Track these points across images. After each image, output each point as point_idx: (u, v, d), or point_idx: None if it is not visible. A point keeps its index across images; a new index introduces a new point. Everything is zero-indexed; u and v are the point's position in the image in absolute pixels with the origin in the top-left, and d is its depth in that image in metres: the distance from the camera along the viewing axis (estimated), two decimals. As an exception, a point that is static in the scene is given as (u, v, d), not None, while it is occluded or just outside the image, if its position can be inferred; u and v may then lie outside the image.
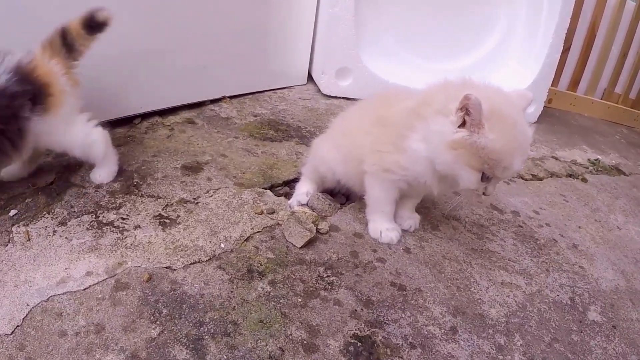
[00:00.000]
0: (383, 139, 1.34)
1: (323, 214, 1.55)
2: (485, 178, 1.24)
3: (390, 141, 1.32)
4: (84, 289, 1.19)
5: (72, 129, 1.48)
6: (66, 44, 1.43)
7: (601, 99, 3.69)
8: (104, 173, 1.59)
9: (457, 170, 1.23)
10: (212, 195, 1.57)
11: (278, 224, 1.48)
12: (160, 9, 1.91)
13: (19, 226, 1.37)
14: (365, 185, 1.45)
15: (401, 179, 1.36)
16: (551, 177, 2.26)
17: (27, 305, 1.13)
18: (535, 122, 2.92)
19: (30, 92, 1.33)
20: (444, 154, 1.22)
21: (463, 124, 1.19)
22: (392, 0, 2.56)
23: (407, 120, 1.29)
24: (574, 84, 3.54)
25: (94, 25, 1.44)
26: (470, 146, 1.19)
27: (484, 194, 1.28)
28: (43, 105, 1.37)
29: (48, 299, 1.15)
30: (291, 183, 1.71)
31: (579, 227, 1.88)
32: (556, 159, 2.49)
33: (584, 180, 2.33)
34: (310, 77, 2.66)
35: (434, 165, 1.27)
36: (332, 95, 2.53)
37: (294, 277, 1.30)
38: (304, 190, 1.59)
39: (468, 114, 1.17)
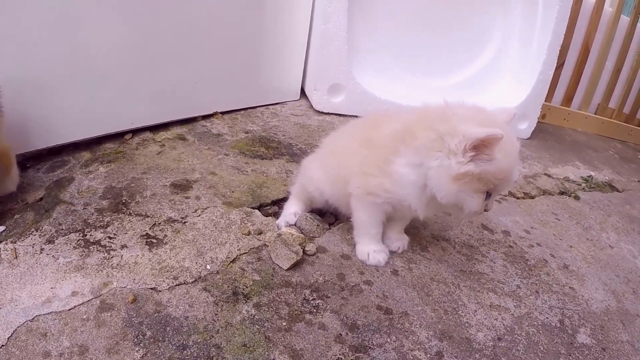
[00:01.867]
0: (369, 161, 1.34)
1: (311, 235, 1.54)
2: (487, 196, 1.25)
3: (376, 164, 1.32)
4: (69, 309, 1.18)
5: None
6: None
7: (595, 114, 3.71)
8: None
9: (463, 198, 1.23)
10: (200, 215, 1.57)
11: (265, 245, 1.47)
12: (152, 24, 1.92)
13: (6, 243, 1.37)
14: (351, 207, 1.44)
15: (385, 201, 1.35)
16: (543, 195, 2.26)
17: (12, 324, 1.12)
18: (528, 139, 2.93)
19: None
20: (448, 187, 1.22)
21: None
22: (386, 16, 2.57)
23: (392, 144, 1.29)
24: (568, 99, 3.55)
25: None
26: (478, 174, 1.19)
27: (485, 210, 1.29)
28: None
29: (33, 319, 1.15)
30: (280, 202, 1.70)
31: (571, 246, 1.87)
32: (549, 176, 2.49)
33: (577, 197, 2.33)
34: (303, 93, 2.66)
35: (421, 190, 1.27)
36: (324, 111, 2.53)
37: (279, 300, 1.29)
38: (292, 210, 1.59)
39: (482, 150, 1.17)
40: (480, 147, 1.16)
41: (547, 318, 1.45)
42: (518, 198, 2.16)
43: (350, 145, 1.42)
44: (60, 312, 1.17)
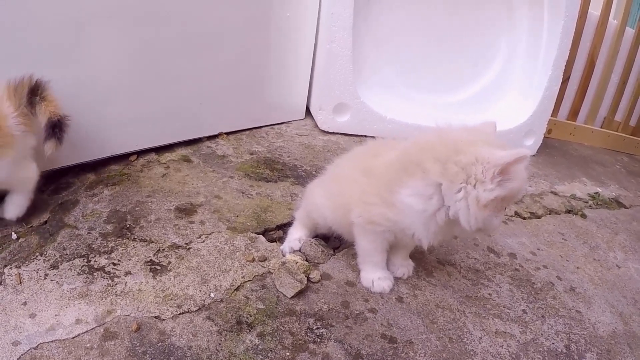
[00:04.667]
0: (369, 190, 1.33)
1: (315, 261, 1.54)
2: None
3: (377, 193, 1.31)
4: (73, 338, 1.18)
5: (15, 170, 1.48)
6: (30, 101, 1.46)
7: (601, 128, 3.69)
8: (18, 208, 1.55)
9: (491, 219, 1.24)
10: (204, 241, 1.56)
11: (269, 272, 1.46)
12: (156, 44, 1.92)
13: (11, 268, 1.37)
14: (354, 235, 1.44)
15: (387, 230, 1.35)
16: (550, 214, 2.25)
17: (17, 352, 1.12)
18: (534, 155, 2.91)
19: None
20: (478, 215, 1.21)
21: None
22: (391, 34, 2.57)
23: (395, 174, 1.28)
24: (574, 113, 3.54)
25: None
26: (504, 196, 1.19)
27: None
28: None
29: (37, 347, 1.15)
30: (285, 227, 1.69)
31: (577, 267, 1.86)
32: (555, 194, 2.47)
33: (583, 216, 2.31)
34: (308, 112, 2.65)
35: (429, 219, 1.27)
36: (329, 131, 2.51)
37: (283, 329, 1.28)
38: (296, 236, 1.59)
39: (507, 172, 1.17)
40: (506, 170, 1.16)
41: (553, 344, 1.44)
42: (524, 218, 2.14)
43: (352, 173, 1.42)
44: (64, 340, 1.17)
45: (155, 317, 1.27)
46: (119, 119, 1.89)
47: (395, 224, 1.31)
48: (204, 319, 1.28)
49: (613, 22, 3.46)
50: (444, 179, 1.21)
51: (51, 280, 1.34)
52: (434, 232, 1.29)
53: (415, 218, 1.27)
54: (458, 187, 1.21)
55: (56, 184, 1.77)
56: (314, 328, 1.30)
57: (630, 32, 3.55)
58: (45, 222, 1.58)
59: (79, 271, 1.38)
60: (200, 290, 1.37)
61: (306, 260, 1.51)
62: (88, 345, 1.17)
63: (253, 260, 1.50)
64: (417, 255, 1.63)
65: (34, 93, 1.47)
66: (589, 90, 3.53)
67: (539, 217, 2.20)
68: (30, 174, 1.54)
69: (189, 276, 1.41)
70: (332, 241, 1.65)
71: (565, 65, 2.83)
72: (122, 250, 1.48)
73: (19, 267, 1.37)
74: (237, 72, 2.25)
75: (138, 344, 1.18)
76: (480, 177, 1.18)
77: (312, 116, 2.60)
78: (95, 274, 1.38)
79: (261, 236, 1.63)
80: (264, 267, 1.48)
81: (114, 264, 1.42)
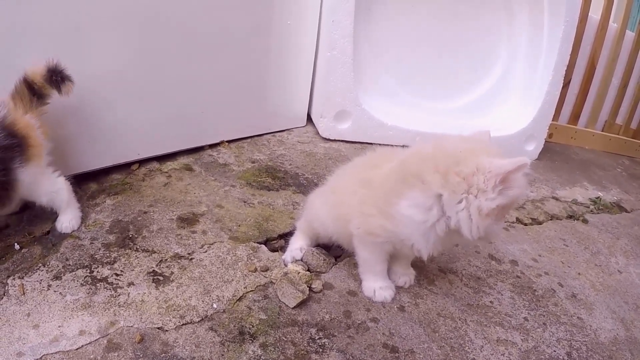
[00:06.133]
0: (368, 201, 1.34)
1: (317, 270, 1.54)
2: None
3: (375, 204, 1.32)
4: (77, 349, 1.19)
5: (42, 178, 1.53)
6: (35, 94, 1.51)
7: (602, 131, 3.69)
8: (73, 220, 1.61)
9: (492, 227, 1.24)
10: (206, 251, 1.57)
11: (271, 282, 1.47)
12: (157, 52, 1.93)
13: (14, 278, 1.38)
14: (354, 246, 1.44)
15: (386, 241, 1.35)
16: (551, 219, 2.25)
17: (21, 364, 1.13)
18: (535, 160, 2.91)
19: (17, 145, 1.40)
20: (480, 224, 1.22)
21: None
22: (391, 41, 2.57)
23: (394, 187, 1.29)
24: (575, 117, 3.54)
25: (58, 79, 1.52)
26: (505, 202, 1.20)
27: None
28: (24, 157, 1.43)
29: (41, 358, 1.15)
30: (287, 236, 1.70)
31: (579, 273, 1.86)
32: (556, 199, 2.47)
33: (585, 221, 2.31)
34: (309, 119, 2.65)
35: (428, 230, 1.27)
36: (330, 138, 2.52)
37: (285, 339, 1.29)
38: (297, 245, 1.59)
39: (508, 181, 1.17)
40: (507, 178, 1.17)
41: (555, 351, 1.44)
42: (526, 225, 2.15)
43: (351, 184, 1.43)
44: (67, 351, 1.18)
45: (158, 328, 1.27)
46: (120, 127, 1.90)
47: (394, 235, 1.31)
48: (207, 330, 1.28)
49: (613, 25, 3.47)
50: (445, 189, 1.22)
51: (54, 291, 1.35)
52: (433, 242, 1.29)
53: (415, 229, 1.27)
54: (460, 198, 1.21)
55: (58, 194, 1.78)
56: (316, 338, 1.31)
57: (630, 35, 3.55)
58: (48, 232, 1.58)
59: (82, 282, 1.39)
60: (202, 301, 1.37)
61: (308, 270, 1.52)
62: (92, 356, 1.17)
63: (255, 270, 1.50)
64: (419, 264, 1.63)
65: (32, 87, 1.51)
66: (590, 94, 3.54)
67: (540, 223, 2.20)
68: (57, 185, 1.58)
69: (192, 287, 1.42)
70: (334, 250, 1.66)
71: (566, 70, 2.84)
72: (125, 260, 1.49)
73: (22, 278, 1.38)
74: (239, 80, 2.25)
75: (141, 355, 1.19)
76: (482, 187, 1.18)
77: (313, 124, 2.60)
78: (98, 284, 1.38)
79: (263, 246, 1.64)
80: (266, 277, 1.49)
81: (117, 275, 1.43)
